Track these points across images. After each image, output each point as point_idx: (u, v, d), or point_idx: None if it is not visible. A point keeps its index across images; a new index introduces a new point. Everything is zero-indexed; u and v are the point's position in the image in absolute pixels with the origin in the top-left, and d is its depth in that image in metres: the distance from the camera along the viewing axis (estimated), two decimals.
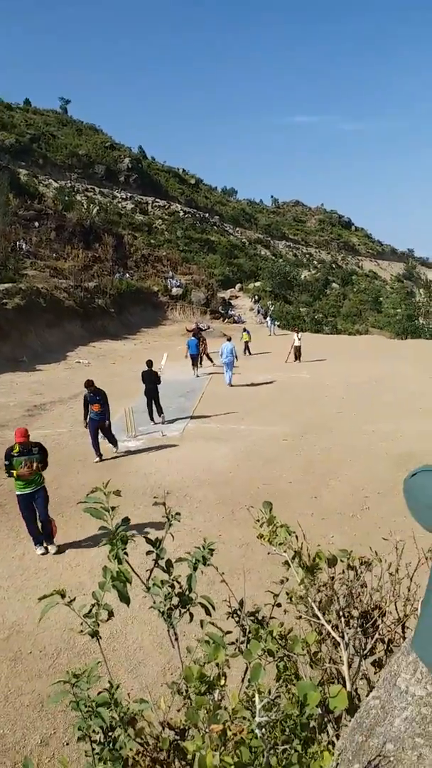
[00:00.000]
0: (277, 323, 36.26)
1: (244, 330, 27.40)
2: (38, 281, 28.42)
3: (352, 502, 8.93)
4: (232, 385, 18.72)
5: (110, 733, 1.79)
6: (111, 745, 1.75)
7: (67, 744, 4.44)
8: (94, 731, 1.69)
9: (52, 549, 7.60)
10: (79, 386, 18.49)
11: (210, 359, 22.69)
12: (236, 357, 19.40)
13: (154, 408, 14.24)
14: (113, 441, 11.80)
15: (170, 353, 24.77)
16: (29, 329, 24.72)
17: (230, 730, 1.16)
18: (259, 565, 6.62)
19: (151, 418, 14.20)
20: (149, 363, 14.41)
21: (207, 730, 1.34)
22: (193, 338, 21.81)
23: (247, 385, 18.89)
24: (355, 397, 16.27)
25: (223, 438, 12.56)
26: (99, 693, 1.94)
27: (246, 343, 26.26)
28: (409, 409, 14.43)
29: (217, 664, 1.86)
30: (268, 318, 36.38)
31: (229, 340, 19.84)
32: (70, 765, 4.15)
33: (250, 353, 26.14)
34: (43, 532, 7.62)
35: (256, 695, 1.26)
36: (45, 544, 7.63)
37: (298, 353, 24.00)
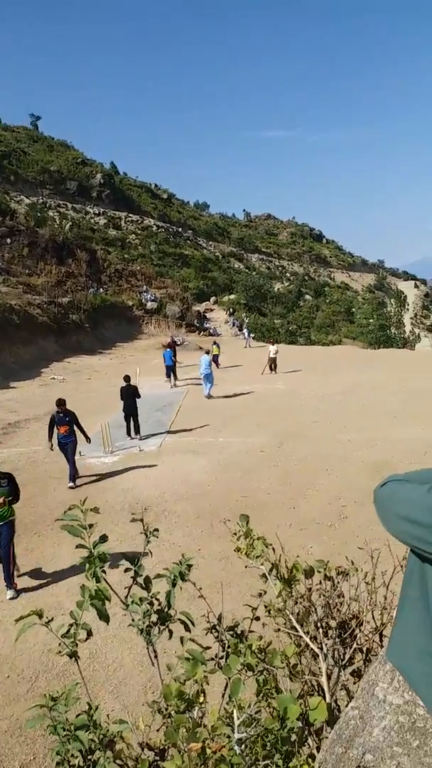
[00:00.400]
0: (252, 335, 36.50)
1: (214, 343, 27.51)
2: (11, 297, 28.13)
3: (330, 512, 8.97)
4: (210, 397, 18.74)
5: (90, 757, 1.77)
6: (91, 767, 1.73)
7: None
8: (72, 755, 1.67)
9: (9, 594, 6.81)
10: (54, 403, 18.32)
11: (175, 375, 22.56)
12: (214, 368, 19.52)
13: (132, 424, 14.10)
14: (72, 471, 10.76)
15: (146, 367, 24.70)
16: (2, 346, 24.41)
17: (209, 748, 1.16)
18: (239, 578, 6.60)
19: (129, 434, 14.06)
20: (127, 378, 14.29)
21: (186, 749, 1.34)
22: (168, 350, 22.42)
23: (224, 396, 18.92)
24: (330, 407, 16.41)
25: (200, 451, 12.53)
26: (78, 715, 1.92)
27: (215, 356, 26.26)
28: (383, 418, 14.61)
29: (196, 681, 1.85)
30: (244, 330, 36.61)
31: (207, 353, 19.91)
32: None
33: (218, 366, 26.15)
34: (3, 572, 6.91)
35: (235, 711, 1.25)
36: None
37: (273, 364, 24.19)
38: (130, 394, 13.96)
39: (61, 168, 62.32)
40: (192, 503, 9.56)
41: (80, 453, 12.57)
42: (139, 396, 14.13)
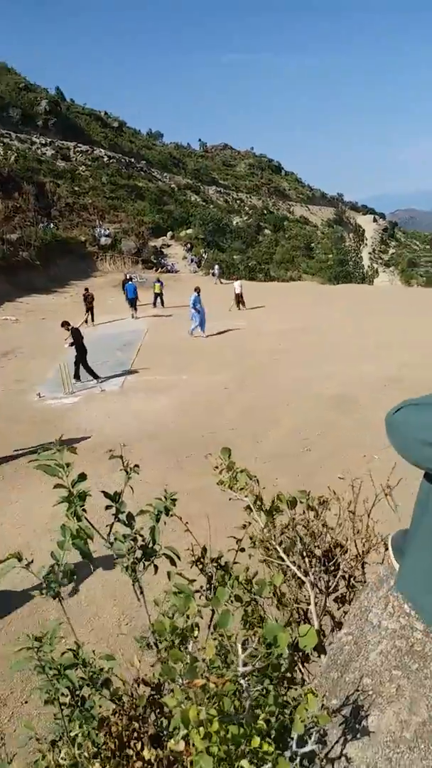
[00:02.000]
0: (221, 271, 36.02)
1: (157, 281, 26.68)
2: None
3: (293, 445, 9.14)
4: (194, 336, 18.56)
5: (78, 692, 1.75)
6: (80, 705, 1.71)
7: (26, 702, 4.42)
8: (63, 694, 1.64)
9: None
10: (8, 344, 17.78)
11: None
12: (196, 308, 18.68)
13: (82, 368, 13.44)
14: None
15: (103, 307, 24.09)
16: None
17: (211, 682, 1.13)
18: (211, 511, 6.70)
19: (77, 378, 13.47)
20: (65, 323, 13.46)
21: (184, 684, 1.31)
22: (130, 283, 23.53)
23: (185, 335, 18.71)
24: (290, 344, 16.47)
25: (163, 389, 12.46)
26: (63, 654, 1.88)
27: (157, 294, 25.58)
28: (341, 354, 14.78)
29: (188, 616, 1.83)
30: (215, 267, 36.14)
31: (196, 290, 18.88)
32: (31, 722, 4.15)
33: (163, 305, 25.60)
34: None
35: (238, 645, 1.22)
36: None
37: (241, 300, 23.99)
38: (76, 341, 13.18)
39: (2, 93, 57.71)
40: (157, 441, 9.57)
41: (39, 395, 12.36)
42: (81, 338, 13.38)
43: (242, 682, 1.15)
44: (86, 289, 23.02)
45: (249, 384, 12.47)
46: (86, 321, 21.13)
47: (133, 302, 23.11)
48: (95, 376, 13.37)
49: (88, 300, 21.90)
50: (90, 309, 21.77)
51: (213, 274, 35.55)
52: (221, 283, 33.83)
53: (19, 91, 61.47)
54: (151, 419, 10.60)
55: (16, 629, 5.24)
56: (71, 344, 13.05)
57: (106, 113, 79.79)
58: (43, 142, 56.10)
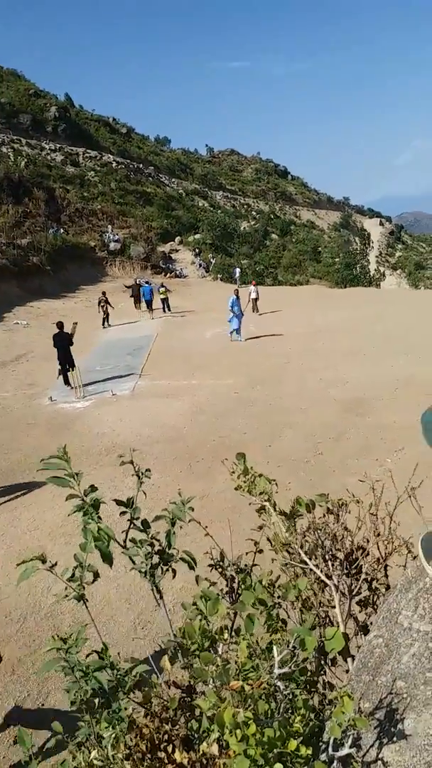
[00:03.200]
0: (238, 274, 36.58)
1: (162, 285, 26.81)
2: None
3: (306, 449, 9.12)
4: (240, 339, 18.14)
5: (106, 694, 1.75)
6: (108, 707, 1.71)
7: (42, 705, 4.43)
8: (91, 696, 1.64)
9: None
10: (20, 348, 17.89)
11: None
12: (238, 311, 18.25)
13: (68, 373, 13.25)
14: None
15: (112, 312, 24.21)
16: None
17: (248, 685, 1.13)
18: (223, 515, 6.70)
19: (66, 383, 13.29)
20: (59, 325, 13.32)
21: (216, 686, 1.31)
22: (146, 285, 25.22)
23: (196, 339, 18.73)
24: (301, 348, 16.45)
25: (174, 394, 12.48)
26: (87, 656, 1.89)
27: (164, 299, 25.77)
28: (353, 356, 14.74)
29: (206, 618, 1.83)
30: (236, 270, 36.92)
31: (235, 293, 18.63)
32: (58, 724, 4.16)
33: (169, 310, 25.75)
34: None
35: (275, 647, 1.22)
36: None
37: (255, 306, 23.98)
38: (63, 342, 13.07)
39: (12, 100, 58.11)
40: (168, 445, 9.58)
41: (51, 399, 12.42)
42: (71, 343, 13.18)
43: (279, 684, 1.15)
44: (103, 293, 23.83)
45: (260, 388, 12.46)
46: (104, 324, 22.54)
47: (149, 304, 24.54)
48: (66, 381, 13.31)
49: (105, 304, 22.82)
50: (106, 313, 22.77)
51: (235, 280, 35.96)
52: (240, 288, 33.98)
53: (29, 97, 61.99)
54: (162, 423, 10.61)
55: (32, 632, 5.26)
56: (54, 345, 13.11)
57: (114, 119, 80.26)
58: (53, 147, 56.54)
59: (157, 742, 1.40)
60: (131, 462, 2.22)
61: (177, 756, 1.34)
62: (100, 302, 22.91)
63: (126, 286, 29.24)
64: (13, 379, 14.47)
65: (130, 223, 43.26)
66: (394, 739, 1.23)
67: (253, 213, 78.15)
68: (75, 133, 62.53)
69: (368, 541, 2.15)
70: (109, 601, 5.60)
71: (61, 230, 36.33)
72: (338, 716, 1.17)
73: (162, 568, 2.03)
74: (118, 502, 2.08)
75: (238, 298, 18.34)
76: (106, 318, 22.85)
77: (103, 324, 22.75)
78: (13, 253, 28.98)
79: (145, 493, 2.25)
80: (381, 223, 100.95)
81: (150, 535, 2.04)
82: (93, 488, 1.93)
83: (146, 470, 2.25)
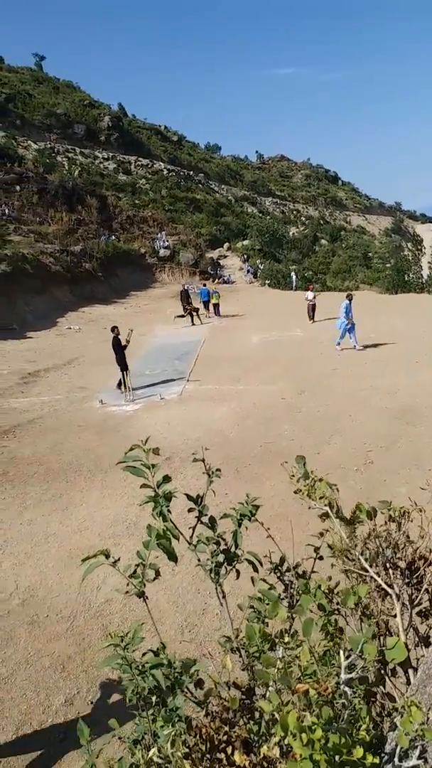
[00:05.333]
0: (296, 277, 36.71)
1: (215, 291, 27.11)
2: (23, 246, 27.72)
3: (355, 457, 8.96)
4: (360, 348, 16.84)
5: (159, 694, 1.76)
6: (164, 705, 1.72)
7: (92, 703, 4.50)
8: (149, 693, 1.65)
9: None
10: (72, 352, 18.35)
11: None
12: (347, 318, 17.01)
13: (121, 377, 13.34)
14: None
15: (160, 317, 24.55)
16: (17, 296, 24.25)
17: (314, 688, 1.11)
18: (269, 521, 6.65)
19: (119, 386, 13.42)
20: (113, 329, 13.49)
21: (279, 688, 1.29)
22: (204, 288, 27.42)
23: (241, 344, 18.73)
24: (350, 354, 16.21)
25: (221, 399, 12.51)
26: (143, 654, 1.91)
27: (215, 305, 26.01)
28: (404, 364, 14.40)
29: (264, 621, 1.82)
30: (292, 275, 37.10)
31: (349, 298, 17.39)
32: (95, 726, 4.21)
33: (219, 314, 25.91)
34: None
35: (341, 652, 1.20)
36: None
37: (312, 312, 22.78)
38: (114, 346, 13.25)
39: (68, 111, 59.93)
40: (216, 450, 9.58)
41: (101, 401, 12.66)
42: (121, 346, 13.22)
43: (347, 690, 1.13)
44: (184, 287, 26.24)
45: (308, 394, 12.33)
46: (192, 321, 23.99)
47: (206, 305, 26.18)
48: (119, 385, 13.41)
49: (187, 300, 24.51)
50: (189, 309, 24.24)
51: (293, 286, 36.01)
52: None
53: (83, 107, 63.79)
54: (209, 428, 10.65)
55: (81, 631, 5.35)
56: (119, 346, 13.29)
57: (165, 127, 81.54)
58: (106, 156, 57.90)
59: (216, 743, 1.40)
60: (203, 460, 2.23)
61: (237, 758, 1.33)
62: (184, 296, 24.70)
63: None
64: (66, 383, 14.84)
65: (180, 230, 43.77)
66: None
67: (303, 219, 77.71)
68: (127, 142, 63.87)
69: (431, 551, 2.09)
70: (156, 604, 5.64)
71: (113, 237, 37.10)
72: (406, 725, 1.14)
73: (226, 568, 2.02)
74: (189, 497, 2.09)
75: (350, 302, 17.02)
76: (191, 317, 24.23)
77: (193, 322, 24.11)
78: (67, 260, 29.81)
79: (214, 492, 2.26)
80: None
81: (216, 534, 2.04)
82: (166, 479, 1.94)
83: (216, 469, 2.25)
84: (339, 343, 17.00)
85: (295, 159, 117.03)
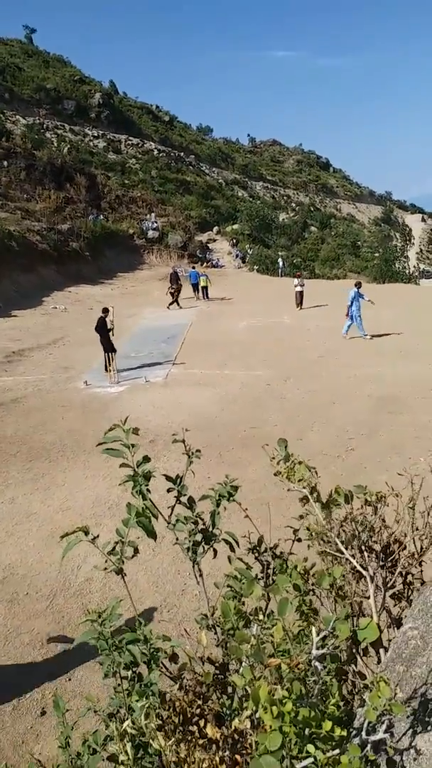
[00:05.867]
0: (283, 264, 37.12)
1: (204, 274, 27.04)
2: (10, 223, 27.30)
3: (337, 444, 9.05)
4: (367, 337, 16.55)
5: (135, 669, 1.79)
6: (139, 680, 1.75)
7: (70, 680, 4.54)
8: (124, 667, 1.68)
9: None
10: (57, 332, 18.20)
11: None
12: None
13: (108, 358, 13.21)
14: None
15: (148, 299, 24.40)
16: (2, 274, 23.92)
17: (285, 663, 1.14)
18: (250, 504, 6.71)
19: (105, 368, 13.29)
20: (106, 310, 13.55)
21: (250, 663, 1.32)
22: (193, 270, 27.73)
23: (227, 329, 18.72)
24: (336, 342, 16.28)
25: (207, 383, 12.52)
26: (120, 628, 1.93)
27: (204, 288, 26.07)
28: (389, 354, 14.52)
29: (240, 599, 1.85)
30: (279, 261, 37.60)
31: (357, 285, 17.03)
32: (74, 699, 4.26)
33: (207, 297, 25.93)
34: None
35: (313, 629, 1.23)
36: None
37: (299, 299, 22.81)
38: (100, 328, 13.25)
39: (58, 86, 58.76)
40: (200, 433, 9.61)
41: (86, 383, 12.61)
42: (105, 328, 13.25)
43: (318, 665, 1.16)
44: (173, 269, 26.34)
45: (293, 381, 12.39)
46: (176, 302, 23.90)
47: (195, 288, 26.42)
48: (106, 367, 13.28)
49: (176, 282, 24.33)
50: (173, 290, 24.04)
51: (280, 272, 36.02)
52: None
53: (74, 83, 62.56)
54: (194, 411, 10.67)
55: (61, 609, 5.38)
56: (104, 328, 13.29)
57: (157, 107, 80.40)
58: (96, 134, 57.00)
59: (189, 716, 1.43)
60: (183, 441, 2.24)
61: (209, 730, 1.36)
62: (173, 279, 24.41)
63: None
64: (50, 362, 14.74)
65: (169, 212, 43.42)
66: (429, 728, 1.22)
67: (293, 205, 77.40)
68: (118, 120, 62.91)
69: (405, 535, 2.13)
70: (136, 584, 5.68)
71: (101, 217, 36.66)
72: (374, 700, 1.17)
73: (203, 547, 2.04)
74: (167, 478, 2.11)
75: (359, 290, 16.65)
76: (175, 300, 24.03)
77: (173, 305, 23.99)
78: (54, 238, 29.42)
79: (193, 473, 2.28)
80: (423, 219, 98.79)
81: (195, 513, 2.06)
82: (146, 459, 1.95)
83: (197, 450, 2.26)
84: (366, 333, 16.55)
85: (288, 144, 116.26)
